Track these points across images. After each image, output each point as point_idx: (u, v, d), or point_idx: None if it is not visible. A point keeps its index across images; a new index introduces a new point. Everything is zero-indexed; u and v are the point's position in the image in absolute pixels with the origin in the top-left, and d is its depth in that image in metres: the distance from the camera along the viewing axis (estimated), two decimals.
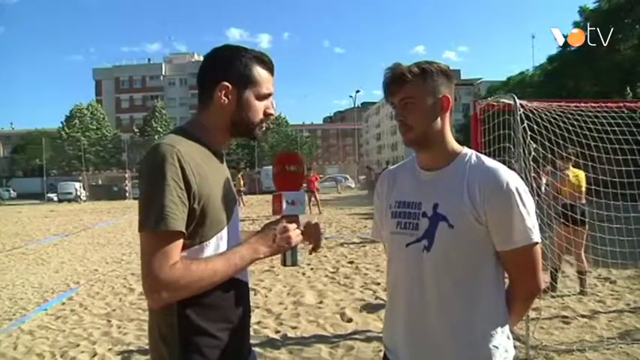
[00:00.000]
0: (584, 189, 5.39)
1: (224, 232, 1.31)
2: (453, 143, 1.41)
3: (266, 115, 1.39)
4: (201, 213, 1.24)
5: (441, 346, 1.34)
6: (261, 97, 1.37)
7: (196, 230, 1.25)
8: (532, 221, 1.31)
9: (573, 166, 5.40)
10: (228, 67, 1.33)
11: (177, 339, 1.25)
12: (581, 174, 5.43)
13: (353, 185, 39.24)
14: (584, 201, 5.35)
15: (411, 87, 1.34)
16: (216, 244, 1.29)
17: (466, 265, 1.32)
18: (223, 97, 1.32)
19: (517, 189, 1.29)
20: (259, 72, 1.35)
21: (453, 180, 1.35)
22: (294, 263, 1.38)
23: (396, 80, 1.35)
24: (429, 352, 1.36)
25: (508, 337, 1.38)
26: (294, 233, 1.34)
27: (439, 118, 1.37)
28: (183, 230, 1.20)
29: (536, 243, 1.32)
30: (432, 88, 1.35)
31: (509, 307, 1.39)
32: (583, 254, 5.25)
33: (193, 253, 1.25)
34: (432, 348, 1.35)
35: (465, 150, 1.41)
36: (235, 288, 1.34)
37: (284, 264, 1.38)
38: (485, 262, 1.34)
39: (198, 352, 1.26)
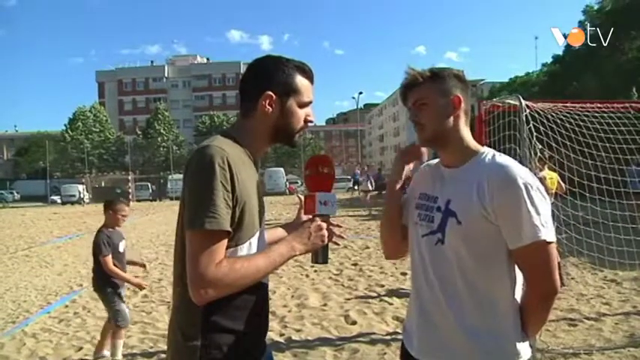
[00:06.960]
0: (554, 191, 5.42)
1: (256, 237, 1.37)
2: (470, 142, 1.45)
3: (306, 122, 1.45)
4: (240, 217, 1.30)
5: (449, 340, 1.35)
6: (303, 105, 1.43)
7: (233, 234, 1.29)
8: (542, 219, 1.28)
9: (549, 169, 5.50)
10: (272, 77, 1.39)
11: (199, 339, 1.28)
12: (555, 176, 5.50)
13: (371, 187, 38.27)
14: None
15: (423, 89, 1.42)
16: (249, 247, 1.34)
17: (476, 263, 1.33)
18: (267, 106, 1.38)
19: (526, 185, 1.28)
20: (301, 81, 1.42)
21: (467, 178, 1.38)
22: (325, 261, 1.44)
23: (409, 84, 1.45)
24: (437, 344, 1.38)
25: (522, 339, 1.35)
26: (327, 231, 1.40)
27: (451, 117, 1.42)
28: (230, 230, 1.26)
29: (547, 241, 1.28)
30: (443, 89, 1.41)
31: (525, 309, 1.36)
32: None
33: (228, 255, 1.28)
34: (441, 341, 1.37)
35: (484, 149, 1.44)
36: (260, 290, 1.39)
37: (316, 261, 1.44)
38: (497, 261, 1.33)
39: (220, 350, 1.29)
